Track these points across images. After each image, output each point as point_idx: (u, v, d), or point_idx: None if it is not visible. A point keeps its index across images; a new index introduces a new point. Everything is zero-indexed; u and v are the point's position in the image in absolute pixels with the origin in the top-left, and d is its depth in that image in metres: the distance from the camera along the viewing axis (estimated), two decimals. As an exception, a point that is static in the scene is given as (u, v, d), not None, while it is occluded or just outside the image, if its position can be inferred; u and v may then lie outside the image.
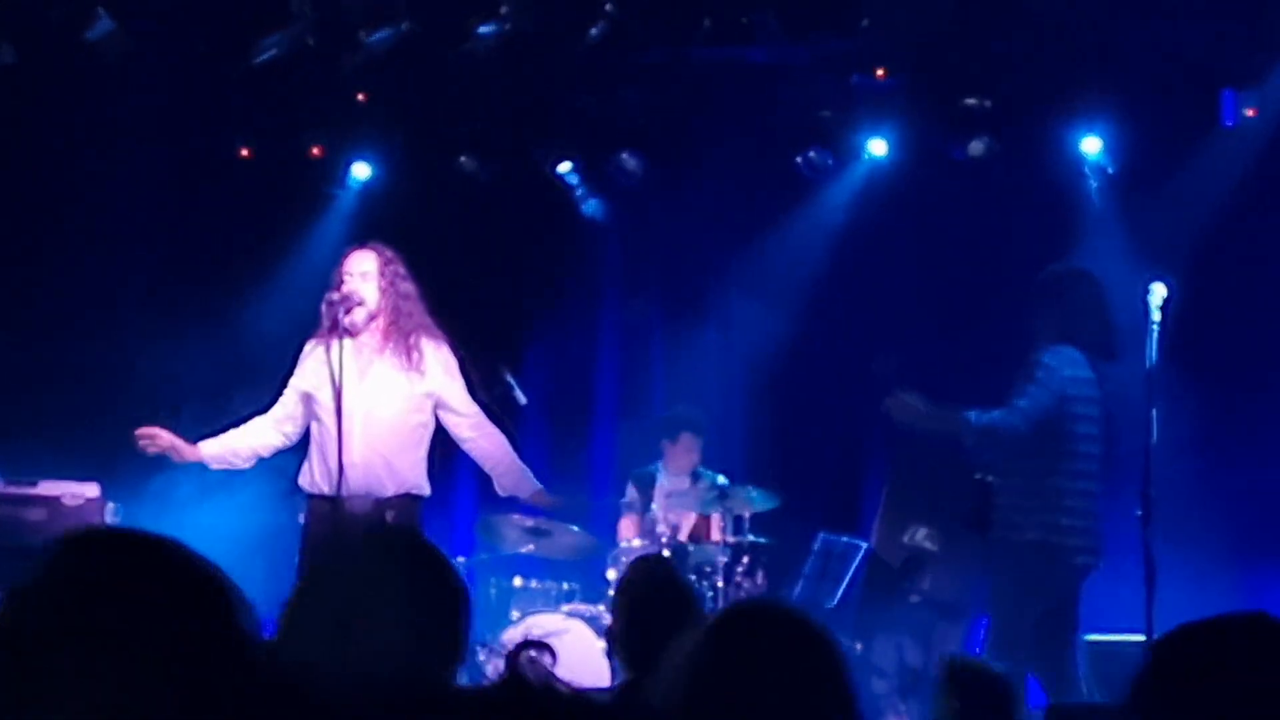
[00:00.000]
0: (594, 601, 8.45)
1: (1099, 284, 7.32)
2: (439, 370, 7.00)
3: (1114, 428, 7.35)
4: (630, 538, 9.14)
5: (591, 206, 10.17)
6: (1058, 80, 9.21)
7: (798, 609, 2.60)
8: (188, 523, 7.41)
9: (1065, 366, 7.09)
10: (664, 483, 9.36)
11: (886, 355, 7.85)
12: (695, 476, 9.27)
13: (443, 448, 7.24)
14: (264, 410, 7.25)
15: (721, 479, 9.00)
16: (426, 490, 7.01)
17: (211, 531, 8.71)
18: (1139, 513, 6.66)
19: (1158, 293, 6.71)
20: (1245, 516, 8.80)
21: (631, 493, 9.41)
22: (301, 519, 7.74)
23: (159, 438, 6.98)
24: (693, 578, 8.58)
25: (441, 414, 7.10)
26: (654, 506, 9.22)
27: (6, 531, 6.94)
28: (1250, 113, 8.88)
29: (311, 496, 6.96)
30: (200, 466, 7.84)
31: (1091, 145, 9.26)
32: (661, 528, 8.96)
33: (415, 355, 6.94)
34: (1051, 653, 7.16)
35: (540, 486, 7.43)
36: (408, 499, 6.90)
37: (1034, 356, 7.14)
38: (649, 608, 4.50)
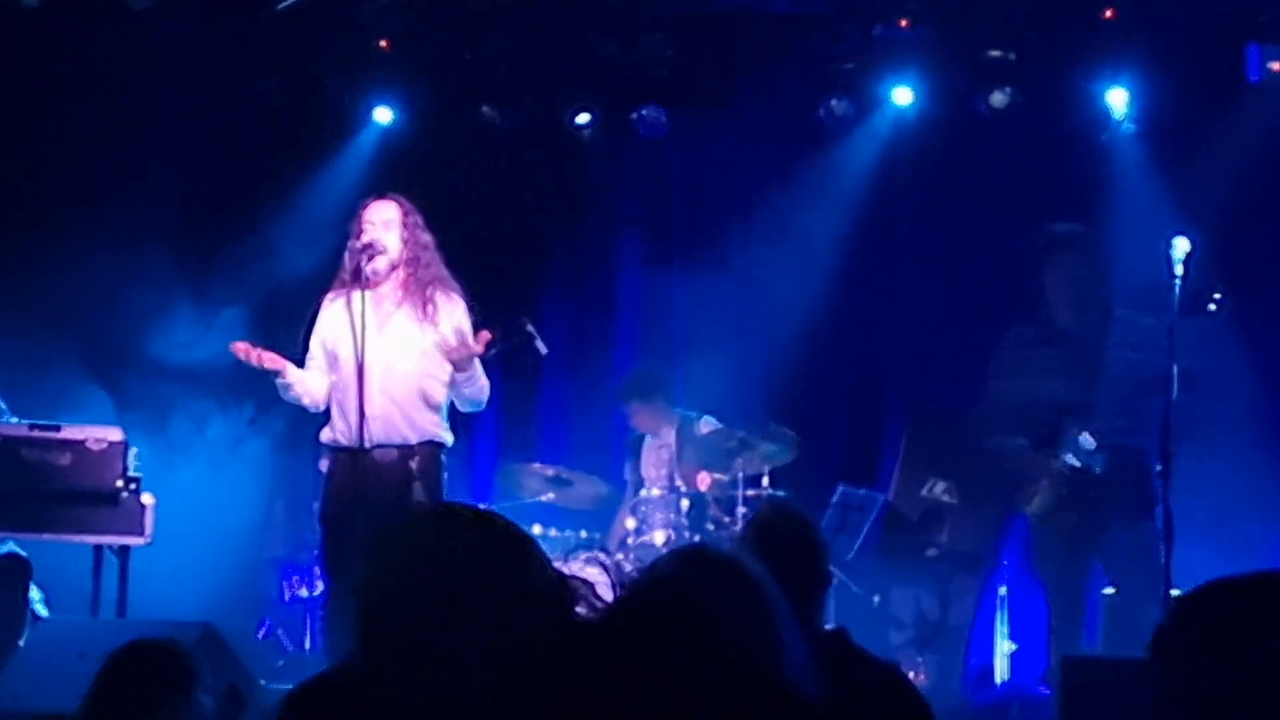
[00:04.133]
0: (613, 550, 8.47)
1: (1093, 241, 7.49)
2: (449, 326, 6.97)
3: None
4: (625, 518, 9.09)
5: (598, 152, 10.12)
6: (1082, 33, 9.16)
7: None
8: (207, 467, 7.45)
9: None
10: (650, 441, 9.33)
11: None
12: (680, 427, 9.19)
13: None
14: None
15: (709, 419, 8.96)
16: (450, 438, 6.99)
17: (230, 475, 8.79)
18: (1159, 468, 6.66)
19: (1180, 247, 6.70)
20: (1267, 472, 8.78)
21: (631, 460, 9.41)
22: (321, 466, 7.76)
23: (251, 353, 6.82)
24: (710, 528, 8.62)
25: None
26: (641, 471, 9.21)
27: (32, 475, 6.99)
28: (1276, 67, 8.82)
29: (335, 449, 6.94)
30: (217, 415, 7.87)
31: (1116, 98, 9.20)
32: (678, 482, 8.97)
33: (430, 307, 6.92)
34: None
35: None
36: (431, 446, 6.88)
37: (1099, 323, 7.23)
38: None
